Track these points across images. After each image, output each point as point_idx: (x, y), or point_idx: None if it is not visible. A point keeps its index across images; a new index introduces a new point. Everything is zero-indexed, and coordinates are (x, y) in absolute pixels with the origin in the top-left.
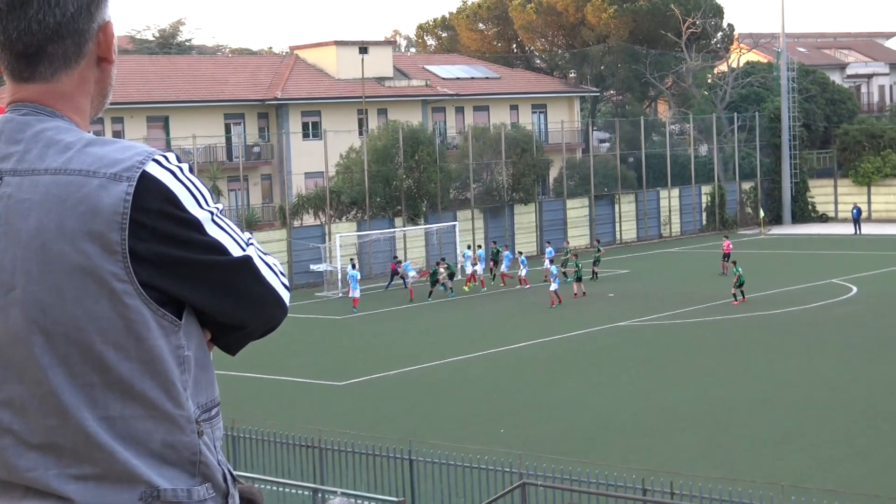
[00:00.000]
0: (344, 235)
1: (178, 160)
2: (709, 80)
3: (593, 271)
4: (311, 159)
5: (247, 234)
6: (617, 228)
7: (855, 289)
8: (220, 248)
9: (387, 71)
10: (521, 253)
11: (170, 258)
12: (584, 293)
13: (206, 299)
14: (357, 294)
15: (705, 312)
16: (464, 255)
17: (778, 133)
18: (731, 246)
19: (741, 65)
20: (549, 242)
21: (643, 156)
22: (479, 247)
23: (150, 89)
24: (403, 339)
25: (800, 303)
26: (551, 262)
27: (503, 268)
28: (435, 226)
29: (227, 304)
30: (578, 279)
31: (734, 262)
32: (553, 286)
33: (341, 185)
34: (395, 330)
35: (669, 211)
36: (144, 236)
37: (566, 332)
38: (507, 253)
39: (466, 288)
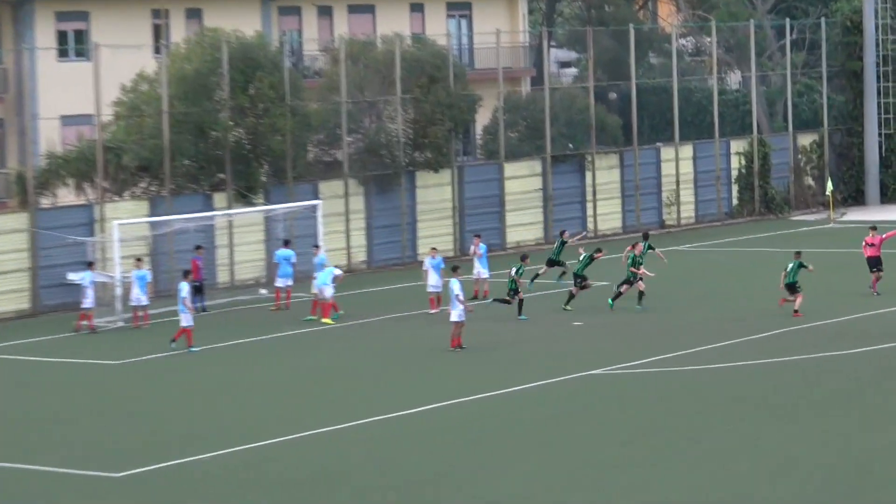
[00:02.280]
0: (127, 223)
1: None
2: None
3: (572, 292)
4: (71, 94)
5: None
6: (589, 211)
7: None
8: None
9: None
10: (435, 250)
11: None
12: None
13: None
14: (189, 321)
15: (739, 352)
16: (319, 266)
17: (859, 52)
18: (881, 241)
19: None
20: (478, 236)
21: (634, 91)
22: (317, 247)
23: None
24: (236, 397)
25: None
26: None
27: (325, 288)
28: (283, 207)
29: None
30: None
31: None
32: (455, 314)
33: (123, 137)
34: (218, 381)
35: (677, 182)
36: None
37: (499, 386)
38: (318, 257)
39: (327, 320)
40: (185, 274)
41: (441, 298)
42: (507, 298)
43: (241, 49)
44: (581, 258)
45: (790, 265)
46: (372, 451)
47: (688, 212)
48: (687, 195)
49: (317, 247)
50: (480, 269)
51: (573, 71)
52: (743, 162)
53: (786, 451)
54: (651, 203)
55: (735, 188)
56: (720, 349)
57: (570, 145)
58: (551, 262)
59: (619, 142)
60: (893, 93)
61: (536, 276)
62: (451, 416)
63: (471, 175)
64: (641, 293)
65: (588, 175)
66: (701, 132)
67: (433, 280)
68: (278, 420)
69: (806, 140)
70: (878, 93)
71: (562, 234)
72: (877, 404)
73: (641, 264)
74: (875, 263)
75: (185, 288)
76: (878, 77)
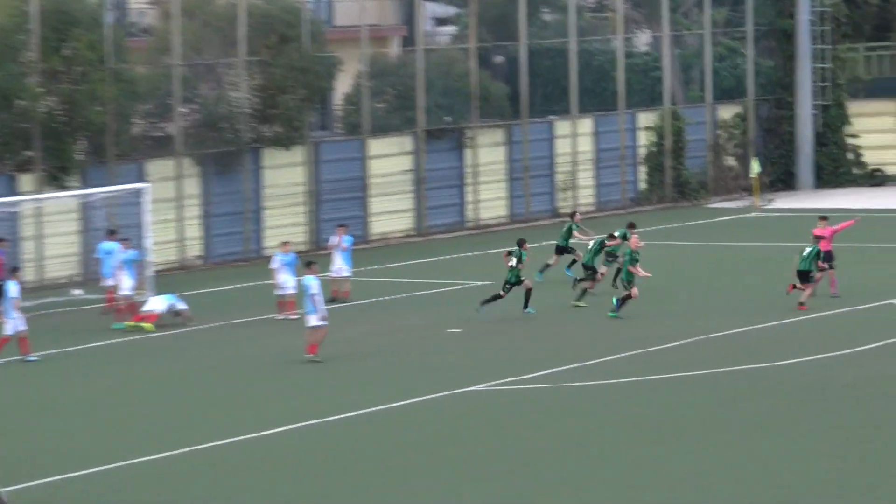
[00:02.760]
0: None
1: None
2: None
3: (585, 287)
4: None
5: None
6: (469, 196)
7: None
8: None
9: None
10: (287, 244)
11: None
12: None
13: None
14: (17, 327)
15: (643, 365)
16: (123, 263)
17: (790, 9)
18: (831, 234)
19: None
20: (343, 226)
21: (523, 53)
22: (126, 240)
23: None
24: (38, 419)
25: (835, 344)
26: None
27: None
28: (103, 191)
29: None
30: None
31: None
32: (314, 319)
33: None
34: (16, 401)
35: (574, 163)
36: None
37: (358, 406)
38: (128, 253)
39: (143, 324)
40: (13, 271)
41: (295, 302)
42: (501, 293)
43: (54, 2)
44: (590, 246)
45: (807, 249)
46: (203, 484)
47: (587, 198)
48: (586, 178)
49: (125, 240)
50: (342, 266)
51: (451, 30)
52: (653, 139)
53: (695, 483)
54: (543, 187)
55: (643, 170)
56: (622, 361)
57: (448, 118)
58: (560, 250)
59: (505, 114)
60: (831, 56)
61: (547, 265)
62: (298, 441)
63: (328, 153)
64: (530, 293)
65: (468, 154)
66: (603, 103)
67: (284, 280)
68: (86, 448)
69: (727, 113)
70: (813, 57)
71: (573, 216)
72: (800, 429)
73: (638, 261)
74: (826, 259)
75: (13, 288)
76: (813, 38)
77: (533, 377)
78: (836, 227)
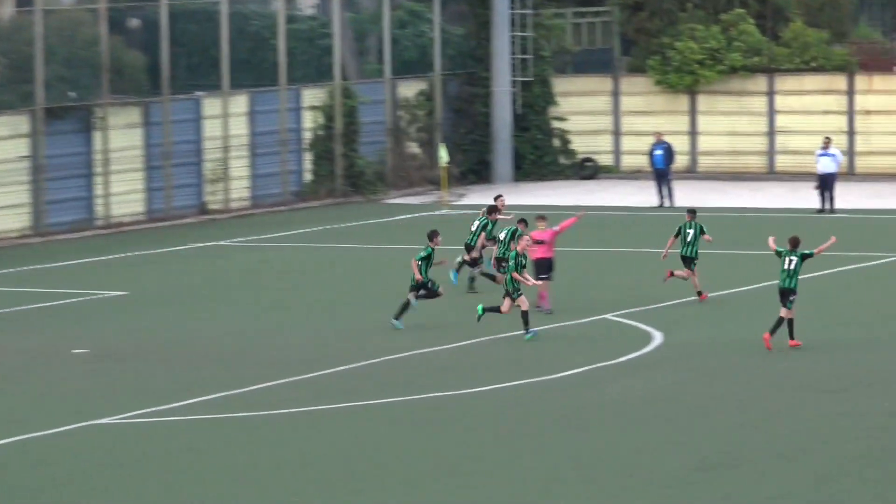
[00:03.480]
0: None
1: None
2: None
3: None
4: None
5: None
6: (98, 190)
7: (658, 335)
8: None
9: None
10: None
11: None
12: None
13: None
14: None
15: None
16: None
17: None
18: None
19: None
20: None
21: (164, 16)
22: None
23: None
24: None
25: (535, 369)
26: None
27: None
28: None
29: None
30: None
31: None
32: None
33: None
34: None
35: (226, 149)
36: None
37: None
38: None
39: None
40: None
41: None
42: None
43: None
44: (503, 235)
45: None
46: None
47: (240, 191)
48: (239, 167)
49: None
50: None
51: None
52: (321, 120)
53: None
54: (188, 178)
55: (309, 158)
56: (285, 388)
57: (72, 94)
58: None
59: (142, 90)
60: (533, 24)
61: (463, 263)
62: None
63: None
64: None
65: (97, 137)
66: (261, 77)
67: None
68: None
69: (410, 90)
70: (512, 24)
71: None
72: (498, 469)
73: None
74: (546, 268)
75: None
76: (512, 1)
77: (174, 407)
78: (557, 228)
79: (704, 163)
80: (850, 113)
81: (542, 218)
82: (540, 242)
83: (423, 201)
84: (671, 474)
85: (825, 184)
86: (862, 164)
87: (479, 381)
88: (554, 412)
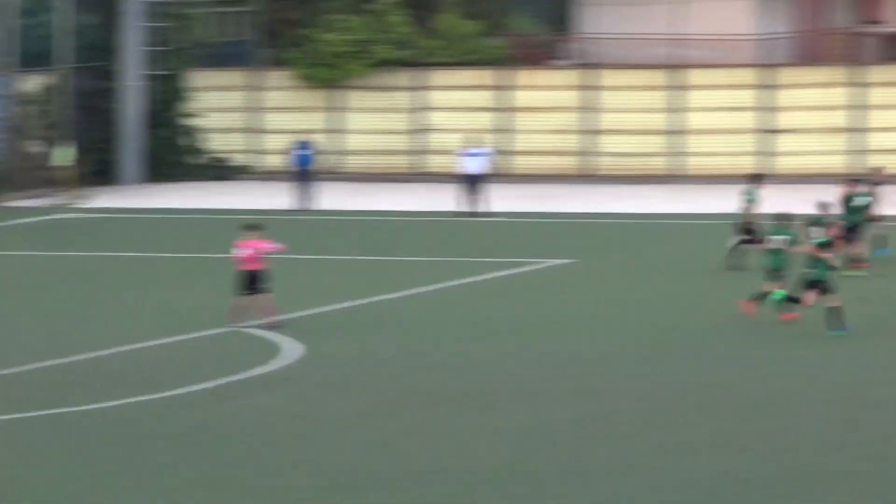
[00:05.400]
0: None
1: None
2: None
3: None
4: None
5: None
6: None
7: (286, 346)
8: None
9: None
10: None
11: None
12: None
13: None
14: None
15: None
16: None
17: None
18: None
19: None
20: None
21: None
22: None
23: None
24: None
25: (162, 383)
26: None
27: None
28: None
29: None
30: None
31: None
32: None
33: None
34: None
35: None
36: None
37: None
38: None
39: None
40: None
41: None
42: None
43: None
44: None
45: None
46: None
47: None
48: None
49: None
50: None
51: None
52: None
53: None
54: None
55: None
56: None
57: None
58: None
59: None
60: (168, 14)
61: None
62: None
63: None
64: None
65: None
66: None
67: None
68: None
69: (34, 84)
70: (144, 14)
71: None
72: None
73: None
74: (258, 280)
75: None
76: None
77: None
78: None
79: (353, 163)
80: (504, 109)
81: (252, 228)
82: (248, 257)
83: (48, 204)
84: (297, 497)
85: (474, 185)
86: (519, 164)
87: (85, 398)
88: (172, 432)
